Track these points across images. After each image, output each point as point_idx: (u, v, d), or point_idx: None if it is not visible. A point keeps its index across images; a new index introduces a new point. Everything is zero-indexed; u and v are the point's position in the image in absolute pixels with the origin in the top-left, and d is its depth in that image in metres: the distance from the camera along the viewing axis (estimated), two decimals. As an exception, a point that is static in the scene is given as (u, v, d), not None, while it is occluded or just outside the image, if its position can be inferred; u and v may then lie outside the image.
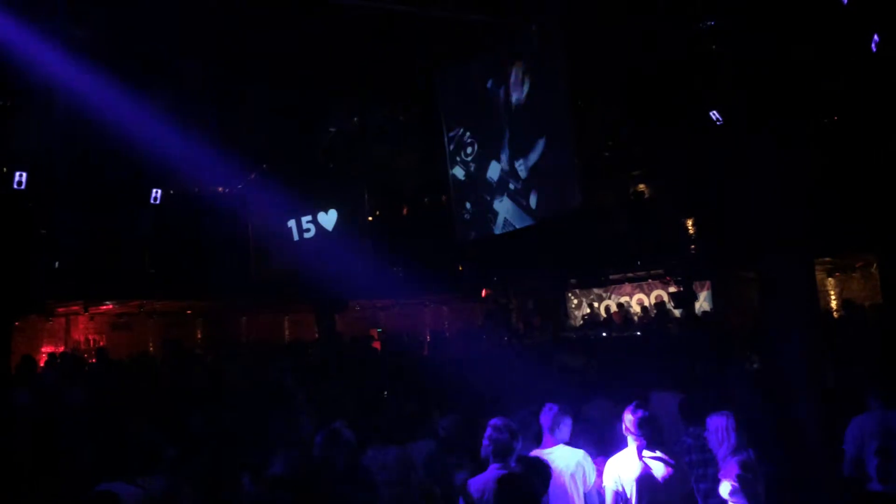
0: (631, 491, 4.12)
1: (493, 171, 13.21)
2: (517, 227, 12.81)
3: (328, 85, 13.64)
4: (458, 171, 14.36)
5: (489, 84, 13.13)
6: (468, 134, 14.04)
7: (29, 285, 12.97)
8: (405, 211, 20.18)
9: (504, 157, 12.91)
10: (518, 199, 12.66)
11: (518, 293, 20.54)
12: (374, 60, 13.01)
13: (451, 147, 14.50)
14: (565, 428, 4.60)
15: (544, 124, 12.14)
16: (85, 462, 5.84)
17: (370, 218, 19.80)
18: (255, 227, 16.27)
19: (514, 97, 12.56)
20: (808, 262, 13.39)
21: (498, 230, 13.28)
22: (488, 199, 13.45)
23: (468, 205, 14.17)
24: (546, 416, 4.64)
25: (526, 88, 12.30)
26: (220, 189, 16.67)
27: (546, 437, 4.59)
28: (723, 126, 13.30)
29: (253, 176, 16.85)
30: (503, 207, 13.07)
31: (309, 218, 16.39)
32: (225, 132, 13.89)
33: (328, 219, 16.66)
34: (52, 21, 10.38)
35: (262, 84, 13.11)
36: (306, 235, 16.41)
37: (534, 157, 12.25)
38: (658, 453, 4.28)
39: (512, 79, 12.59)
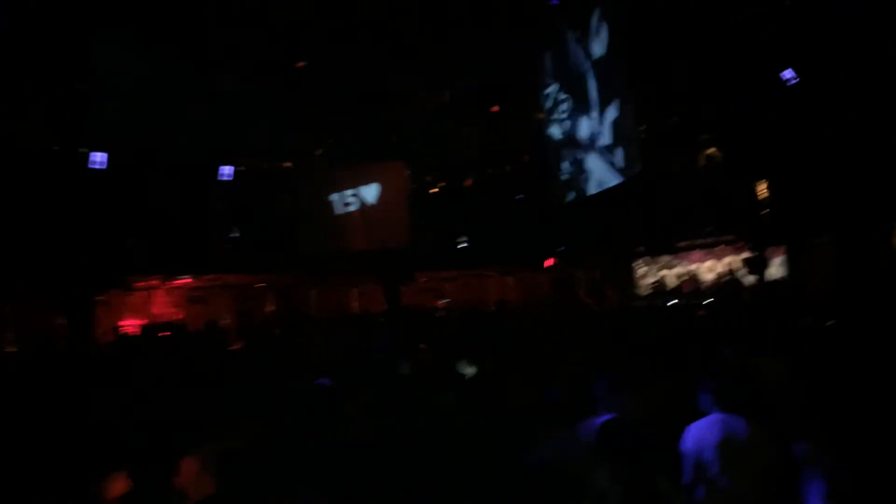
0: (712, 457, 4.08)
1: (584, 128, 12.96)
2: (609, 185, 12.51)
3: (397, 61, 13.60)
4: (555, 130, 14.17)
5: (573, 38, 12.81)
6: (562, 90, 13.78)
7: (109, 261, 13.49)
8: (469, 182, 20.15)
9: (593, 112, 12.61)
10: (607, 156, 12.38)
11: (585, 262, 20.34)
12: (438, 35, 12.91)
13: (548, 105, 14.31)
14: (618, 398, 4.59)
15: (619, 76, 11.84)
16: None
17: (434, 190, 19.89)
18: (307, 201, 16.41)
19: (595, 49, 12.23)
20: (889, 228, 12.97)
21: (592, 190, 13.03)
22: (581, 157, 13.19)
23: (564, 165, 13.93)
24: (600, 386, 4.63)
25: (603, 38, 11.97)
26: (288, 164, 16.95)
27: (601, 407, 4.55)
28: (798, 86, 12.82)
29: (319, 152, 17.06)
30: (595, 166, 12.78)
31: (352, 192, 16.56)
32: (293, 108, 14.08)
33: (370, 192, 16.76)
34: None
35: (328, 61, 13.18)
36: (349, 209, 16.57)
37: (612, 110, 11.95)
38: (741, 418, 4.21)
39: (591, 29, 12.25)
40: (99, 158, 13.13)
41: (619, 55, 11.60)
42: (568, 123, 13.58)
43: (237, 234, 16.01)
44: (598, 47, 12.12)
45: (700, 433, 4.21)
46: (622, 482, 3.20)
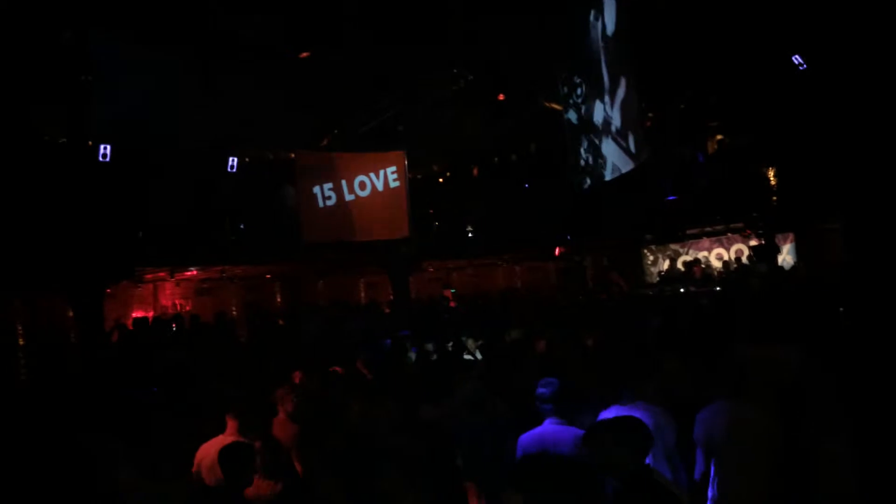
0: (720, 443, 4.05)
1: (599, 112, 12.72)
2: (623, 171, 12.27)
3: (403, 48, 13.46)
4: (572, 115, 13.99)
5: (591, 17, 12.57)
6: (577, 74, 13.61)
7: (118, 253, 13.48)
8: (476, 171, 20.08)
9: (606, 96, 12.40)
10: (620, 141, 12.15)
11: (592, 250, 20.29)
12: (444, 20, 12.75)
13: (564, 90, 14.14)
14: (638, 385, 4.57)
15: (625, 53, 11.60)
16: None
17: (441, 179, 19.84)
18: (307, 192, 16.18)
19: (608, 26, 11.96)
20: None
21: (608, 176, 12.80)
22: (597, 142, 13.01)
23: (582, 150, 13.78)
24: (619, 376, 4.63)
25: (612, 12, 11.71)
26: (293, 155, 16.86)
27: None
28: (807, 71, 12.69)
29: (325, 142, 16.99)
30: (610, 151, 12.55)
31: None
32: (298, 98, 14.01)
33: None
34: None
35: (336, 50, 13.07)
36: (348, 199, 16.37)
37: (621, 93, 11.72)
38: (747, 406, 4.17)
39: (604, 4, 11.99)
40: (102, 150, 13.12)
41: (625, 30, 11.37)
42: (583, 108, 13.42)
43: (243, 226, 15.98)
44: (610, 23, 11.89)
45: (709, 419, 4.19)
46: None
